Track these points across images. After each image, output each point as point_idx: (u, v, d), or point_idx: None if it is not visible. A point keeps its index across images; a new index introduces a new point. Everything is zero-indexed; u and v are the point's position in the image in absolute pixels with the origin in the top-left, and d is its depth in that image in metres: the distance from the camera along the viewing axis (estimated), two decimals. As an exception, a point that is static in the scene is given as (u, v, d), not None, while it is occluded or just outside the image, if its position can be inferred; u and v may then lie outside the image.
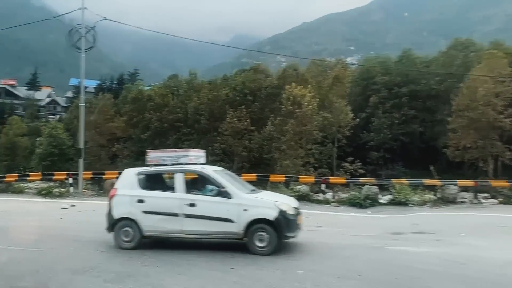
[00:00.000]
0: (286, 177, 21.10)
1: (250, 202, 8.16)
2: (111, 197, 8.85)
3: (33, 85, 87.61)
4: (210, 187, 8.54)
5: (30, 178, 21.82)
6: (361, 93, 40.45)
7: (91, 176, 20.89)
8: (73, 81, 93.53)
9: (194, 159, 9.13)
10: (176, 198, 8.33)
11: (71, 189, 19.24)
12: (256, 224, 7.96)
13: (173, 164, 8.79)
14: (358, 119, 33.90)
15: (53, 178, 21.05)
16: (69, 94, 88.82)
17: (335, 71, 34.25)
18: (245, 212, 7.99)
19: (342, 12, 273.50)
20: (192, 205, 8.20)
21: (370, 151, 36.66)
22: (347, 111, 32.21)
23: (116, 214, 8.59)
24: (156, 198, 8.49)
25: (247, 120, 31.40)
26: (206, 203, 8.22)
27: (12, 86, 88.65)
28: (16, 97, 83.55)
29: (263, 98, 33.52)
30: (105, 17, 20.89)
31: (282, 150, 28.43)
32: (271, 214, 7.94)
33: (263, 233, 7.93)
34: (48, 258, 7.83)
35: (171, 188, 8.58)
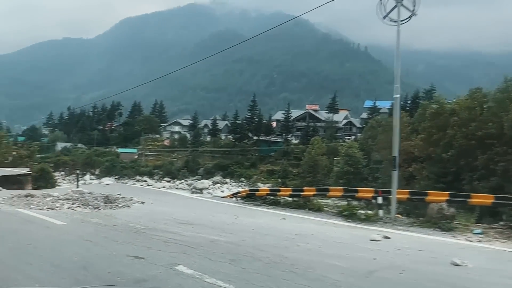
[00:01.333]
0: None
1: None
2: None
3: (332, 108, 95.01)
4: None
5: (330, 193, 19.77)
6: None
7: (408, 196, 16.47)
8: (368, 103, 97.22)
9: None
10: None
11: (381, 212, 15.41)
12: None
13: None
14: None
15: (356, 195, 18.32)
16: (364, 115, 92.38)
17: None
18: None
19: None
20: None
21: None
22: None
23: None
24: None
25: None
26: None
27: (315, 110, 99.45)
28: (318, 120, 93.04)
29: None
30: None
31: None
32: None
33: None
34: None
35: None
